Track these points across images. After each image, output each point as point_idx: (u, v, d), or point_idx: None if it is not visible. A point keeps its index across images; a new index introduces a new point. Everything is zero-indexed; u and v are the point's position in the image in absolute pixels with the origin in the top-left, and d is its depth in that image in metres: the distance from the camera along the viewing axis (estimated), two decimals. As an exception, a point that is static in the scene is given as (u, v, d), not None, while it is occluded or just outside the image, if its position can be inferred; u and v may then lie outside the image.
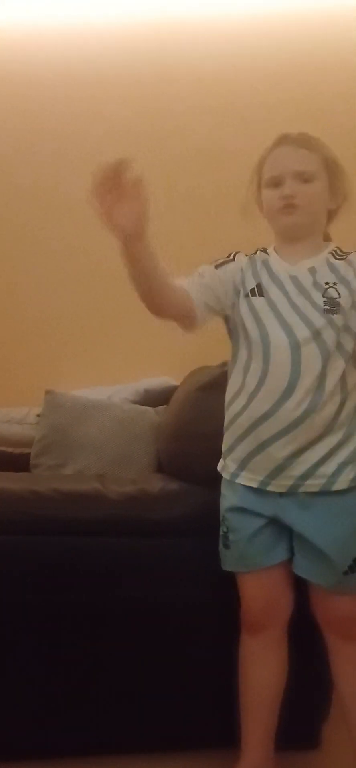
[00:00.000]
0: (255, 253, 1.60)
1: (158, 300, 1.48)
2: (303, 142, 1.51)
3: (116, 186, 1.31)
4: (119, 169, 1.30)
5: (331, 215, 1.57)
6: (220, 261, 1.59)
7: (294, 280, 1.51)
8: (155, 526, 1.67)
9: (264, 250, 1.61)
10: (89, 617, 1.65)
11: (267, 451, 1.46)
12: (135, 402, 2.39)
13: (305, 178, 1.49)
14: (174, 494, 1.73)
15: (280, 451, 1.45)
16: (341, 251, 1.56)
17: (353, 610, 1.49)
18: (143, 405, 2.36)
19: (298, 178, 1.49)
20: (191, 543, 1.65)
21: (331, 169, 1.52)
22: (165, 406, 2.23)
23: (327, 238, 1.59)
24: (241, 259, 1.59)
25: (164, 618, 1.66)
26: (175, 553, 1.66)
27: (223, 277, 1.56)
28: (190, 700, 1.70)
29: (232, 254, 1.61)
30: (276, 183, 1.51)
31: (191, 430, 1.76)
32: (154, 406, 2.33)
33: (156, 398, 2.37)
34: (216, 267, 1.58)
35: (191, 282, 1.54)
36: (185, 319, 1.53)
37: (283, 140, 1.53)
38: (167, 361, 2.53)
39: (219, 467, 1.59)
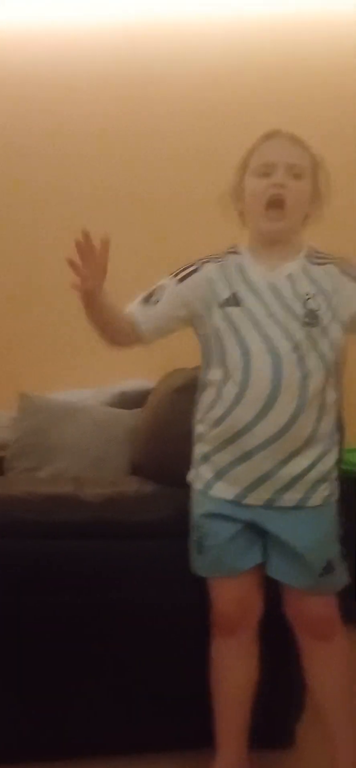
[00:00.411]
0: (224, 257, 1.56)
1: (111, 334, 1.58)
2: (296, 139, 1.51)
3: (86, 252, 1.42)
4: (88, 240, 1.40)
5: (306, 218, 1.56)
6: (183, 273, 1.56)
7: (273, 288, 1.49)
8: (131, 529, 1.67)
9: (235, 251, 1.57)
10: (65, 620, 1.65)
11: (251, 460, 1.45)
12: (111, 405, 2.39)
13: (296, 173, 1.48)
14: (150, 496, 1.73)
15: (264, 461, 1.45)
16: (316, 253, 1.55)
17: (326, 610, 1.51)
18: (118, 408, 2.36)
19: (289, 172, 1.47)
20: (167, 544, 1.65)
21: (316, 172, 1.52)
22: (141, 408, 2.23)
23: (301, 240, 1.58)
24: (208, 269, 1.55)
25: (141, 620, 1.66)
26: (151, 555, 1.66)
27: (185, 293, 1.54)
28: (167, 701, 1.70)
29: (197, 264, 1.57)
30: (267, 172, 1.48)
31: (166, 432, 1.77)
32: (130, 408, 2.33)
33: (132, 401, 2.37)
34: (180, 280, 1.55)
35: (142, 309, 1.56)
36: (136, 343, 1.58)
37: (275, 133, 1.52)
38: (142, 363, 2.53)
39: (190, 477, 1.58)
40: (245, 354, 1.45)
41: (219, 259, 1.56)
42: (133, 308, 1.58)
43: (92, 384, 2.53)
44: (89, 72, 2.78)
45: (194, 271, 1.56)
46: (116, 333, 1.57)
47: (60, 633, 1.65)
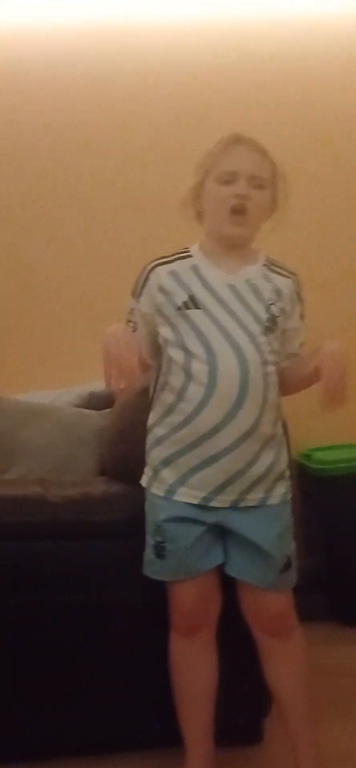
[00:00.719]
0: (174, 260, 1.55)
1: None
2: (259, 147, 1.52)
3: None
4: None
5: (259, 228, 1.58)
6: (137, 289, 1.55)
7: (233, 289, 1.50)
8: (98, 529, 1.67)
9: (186, 254, 1.56)
10: (32, 621, 1.64)
11: (218, 463, 1.46)
12: (79, 406, 2.38)
13: (257, 184, 1.50)
14: (117, 497, 1.74)
15: (231, 463, 1.46)
16: (272, 262, 1.58)
17: (285, 607, 1.53)
18: (87, 409, 2.35)
19: (251, 182, 1.49)
20: (134, 545, 1.65)
21: (275, 183, 1.54)
22: (110, 409, 2.23)
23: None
24: (158, 275, 1.53)
25: (108, 620, 1.67)
26: (118, 556, 1.66)
27: (145, 308, 1.54)
28: (136, 700, 1.70)
29: (145, 273, 1.55)
30: (229, 180, 1.48)
31: (133, 433, 1.77)
32: (99, 409, 2.32)
33: (101, 402, 2.36)
34: (137, 298, 1.55)
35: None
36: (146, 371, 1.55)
37: (239, 139, 1.52)
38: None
39: (146, 482, 1.56)
40: (211, 357, 1.45)
41: (168, 262, 1.55)
42: None
43: (60, 385, 2.52)
44: (86, 72, 2.77)
45: (145, 282, 1.55)
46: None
47: (26, 633, 1.64)
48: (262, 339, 1.48)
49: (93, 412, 2.32)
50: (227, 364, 1.44)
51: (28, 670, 1.66)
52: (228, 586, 1.55)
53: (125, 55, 2.76)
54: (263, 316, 1.49)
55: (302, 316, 1.60)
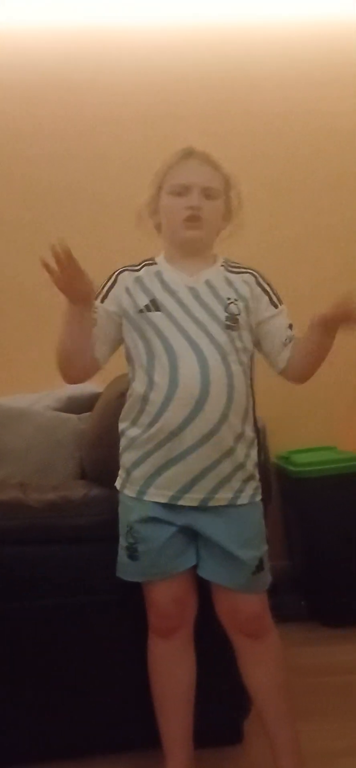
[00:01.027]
0: (141, 268, 1.60)
1: (75, 364, 1.57)
2: (210, 160, 1.57)
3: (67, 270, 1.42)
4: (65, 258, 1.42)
5: (218, 235, 1.63)
6: (104, 291, 1.59)
7: (193, 291, 1.54)
8: (78, 533, 1.68)
9: (152, 262, 1.61)
10: (12, 625, 1.64)
11: (183, 462, 1.48)
12: (58, 409, 2.38)
13: (209, 195, 1.55)
14: (97, 500, 1.74)
15: (196, 462, 1.48)
16: (232, 263, 1.62)
17: (258, 608, 1.54)
18: (66, 412, 2.35)
19: (203, 193, 1.54)
20: (114, 548, 1.65)
21: (227, 193, 1.60)
22: (89, 413, 2.23)
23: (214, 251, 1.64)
24: (124, 278, 1.59)
25: (89, 623, 1.67)
26: (98, 559, 1.67)
27: (110, 309, 1.57)
28: (115, 703, 1.70)
29: (113, 277, 1.60)
30: (181, 192, 1.54)
31: (112, 436, 1.77)
32: (78, 413, 2.32)
33: (80, 405, 2.36)
34: (102, 300, 1.58)
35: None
36: (92, 371, 1.60)
37: (192, 153, 1.58)
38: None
39: (119, 484, 1.58)
40: (172, 357, 1.48)
41: (135, 269, 1.61)
42: None
43: (38, 388, 2.51)
44: (76, 74, 2.77)
45: (112, 285, 1.59)
46: (80, 367, 1.58)
47: (6, 638, 1.64)
48: (223, 338, 1.50)
49: (72, 415, 2.32)
50: (188, 363, 1.47)
51: (8, 674, 1.66)
52: (204, 587, 1.56)
53: (123, 59, 2.77)
54: (222, 315, 1.52)
55: (275, 303, 1.59)
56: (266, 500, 1.61)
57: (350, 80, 2.87)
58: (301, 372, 1.59)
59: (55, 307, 2.88)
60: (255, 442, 1.58)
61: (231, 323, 1.52)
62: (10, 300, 2.76)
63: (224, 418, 1.47)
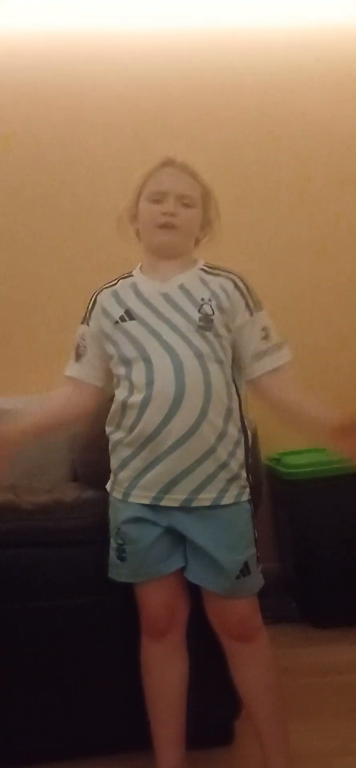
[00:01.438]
0: (117, 282, 1.64)
1: (75, 422, 1.76)
2: (188, 168, 1.60)
3: None
4: None
5: (196, 243, 1.66)
6: (86, 313, 1.65)
7: (166, 296, 1.56)
8: (70, 535, 1.68)
9: (128, 275, 1.65)
10: (5, 628, 1.64)
11: (163, 463, 1.49)
12: (50, 412, 2.37)
13: (186, 203, 1.57)
14: (89, 503, 1.74)
15: (176, 463, 1.49)
16: (210, 266, 1.63)
17: (246, 611, 1.54)
18: (58, 415, 2.34)
19: (180, 201, 1.56)
20: (107, 550, 1.66)
21: (206, 201, 1.62)
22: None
23: (193, 257, 1.65)
24: (101, 298, 1.63)
25: (82, 625, 1.67)
26: (90, 561, 1.67)
27: (94, 329, 1.62)
28: (109, 704, 1.71)
29: (93, 298, 1.65)
30: (158, 199, 1.57)
31: (104, 440, 1.78)
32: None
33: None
34: (87, 323, 1.64)
35: (80, 368, 1.64)
36: (98, 401, 1.66)
37: (170, 161, 1.60)
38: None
39: (109, 487, 1.61)
40: (147, 361, 1.51)
41: (112, 285, 1.64)
42: (73, 372, 1.65)
43: (30, 391, 2.51)
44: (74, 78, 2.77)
45: (92, 306, 1.64)
46: (67, 418, 1.70)
47: (1, 642, 1.63)
48: (197, 338, 1.51)
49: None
50: (162, 366, 1.49)
51: (2, 677, 1.65)
52: (196, 589, 1.57)
53: (118, 64, 2.78)
54: (195, 315, 1.53)
55: (251, 309, 1.57)
56: (256, 501, 1.61)
57: (348, 85, 2.89)
58: (273, 409, 1.58)
59: (47, 311, 2.90)
60: (242, 441, 1.57)
61: (205, 323, 1.52)
62: (2, 305, 2.76)
63: (202, 417, 1.48)
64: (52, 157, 2.78)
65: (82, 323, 1.65)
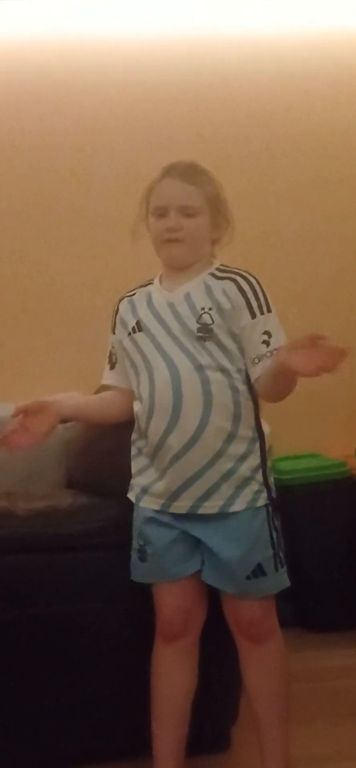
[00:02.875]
0: (135, 292, 1.65)
1: (109, 422, 1.73)
2: (189, 176, 1.56)
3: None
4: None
5: (215, 241, 1.63)
6: (112, 322, 1.68)
7: (172, 307, 1.56)
8: (66, 541, 1.68)
9: (148, 283, 1.66)
10: (2, 635, 1.63)
11: (169, 472, 1.51)
12: (44, 418, 2.36)
13: (188, 213, 1.55)
14: (84, 509, 1.74)
15: (179, 473, 1.50)
16: (223, 269, 1.60)
17: (259, 613, 1.54)
18: (52, 421, 2.33)
19: (182, 213, 1.54)
20: (103, 556, 1.67)
21: (214, 204, 1.58)
22: (75, 421, 2.23)
23: (211, 259, 1.63)
24: (121, 308, 1.66)
25: (77, 632, 1.67)
26: (86, 567, 1.67)
27: (118, 338, 1.65)
28: (104, 711, 1.70)
29: (116, 305, 1.68)
30: (161, 214, 1.56)
31: (100, 445, 1.78)
32: (64, 422, 2.31)
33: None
34: (113, 331, 1.68)
35: (116, 375, 1.67)
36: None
37: (170, 171, 1.58)
38: (76, 377, 2.53)
39: (130, 491, 1.62)
40: (150, 373, 1.53)
41: (131, 294, 1.66)
42: (108, 380, 1.70)
43: (24, 397, 2.50)
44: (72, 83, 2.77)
45: (115, 315, 1.67)
46: (113, 418, 1.70)
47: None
48: (196, 348, 1.51)
49: (59, 424, 2.31)
50: (161, 377, 1.51)
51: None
52: (214, 593, 1.57)
53: (115, 70, 2.76)
54: (194, 326, 1.52)
55: (254, 312, 1.53)
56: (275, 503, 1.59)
57: (349, 88, 2.91)
58: (267, 393, 1.55)
59: (45, 316, 2.90)
60: (257, 445, 1.55)
61: (204, 333, 1.51)
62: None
63: (203, 426, 1.48)
64: (48, 161, 2.77)
65: (111, 331, 1.69)
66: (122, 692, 1.68)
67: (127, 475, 1.62)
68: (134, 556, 1.60)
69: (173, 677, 1.58)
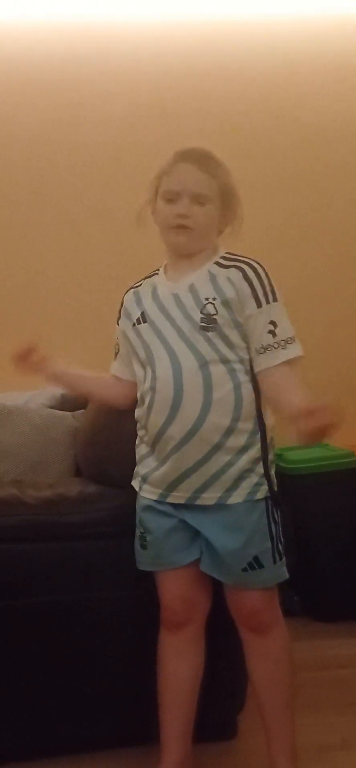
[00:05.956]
0: (141, 283, 1.65)
1: (104, 402, 1.78)
2: (204, 164, 1.54)
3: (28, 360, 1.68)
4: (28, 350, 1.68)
5: (221, 232, 1.63)
6: (118, 315, 1.69)
7: (176, 298, 1.56)
8: (74, 530, 1.68)
9: (154, 273, 1.66)
10: (8, 623, 1.64)
11: (168, 462, 1.52)
12: (52, 407, 2.38)
13: (200, 201, 1.54)
14: (92, 497, 1.75)
15: (178, 463, 1.51)
16: (229, 257, 1.58)
17: (258, 604, 1.54)
18: (60, 410, 2.35)
19: (194, 200, 1.53)
20: (110, 545, 1.67)
21: (226, 196, 1.57)
22: (83, 410, 2.23)
23: (216, 248, 1.62)
24: (126, 299, 1.68)
25: (85, 619, 1.68)
26: (94, 556, 1.68)
27: (122, 329, 1.67)
28: (110, 699, 1.71)
29: (123, 298, 1.69)
30: (172, 198, 1.54)
31: (107, 434, 1.78)
32: (72, 410, 2.32)
33: (73, 403, 2.36)
34: (118, 323, 1.70)
35: (120, 366, 1.70)
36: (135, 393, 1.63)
37: (186, 156, 1.56)
38: (84, 365, 2.54)
39: (133, 479, 1.64)
40: (152, 364, 1.54)
41: (137, 286, 1.67)
42: (114, 369, 1.72)
43: (32, 386, 2.51)
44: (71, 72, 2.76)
45: (121, 306, 1.68)
46: (108, 401, 1.76)
47: (2, 636, 1.64)
48: (198, 339, 1.50)
49: (67, 413, 2.32)
50: (163, 368, 1.51)
51: (4, 672, 1.66)
52: (218, 583, 1.57)
53: (118, 56, 2.76)
54: (197, 316, 1.51)
55: (260, 301, 1.51)
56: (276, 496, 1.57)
57: (348, 77, 2.89)
58: (267, 398, 1.54)
59: (48, 305, 2.91)
60: (258, 437, 1.53)
61: (207, 324, 1.50)
62: (4, 298, 2.76)
63: (202, 418, 1.48)
64: (48, 151, 2.77)
65: (116, 322, 1.71)
66: (129, 679, 1.69)
67: (133, 464, 1.63)
68: (137, 543, 1.61)
69: (177, 666, 1.59)
